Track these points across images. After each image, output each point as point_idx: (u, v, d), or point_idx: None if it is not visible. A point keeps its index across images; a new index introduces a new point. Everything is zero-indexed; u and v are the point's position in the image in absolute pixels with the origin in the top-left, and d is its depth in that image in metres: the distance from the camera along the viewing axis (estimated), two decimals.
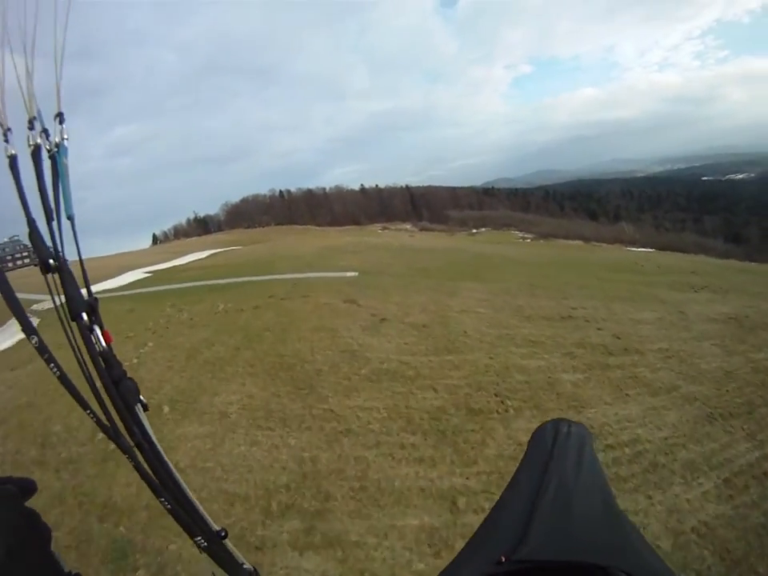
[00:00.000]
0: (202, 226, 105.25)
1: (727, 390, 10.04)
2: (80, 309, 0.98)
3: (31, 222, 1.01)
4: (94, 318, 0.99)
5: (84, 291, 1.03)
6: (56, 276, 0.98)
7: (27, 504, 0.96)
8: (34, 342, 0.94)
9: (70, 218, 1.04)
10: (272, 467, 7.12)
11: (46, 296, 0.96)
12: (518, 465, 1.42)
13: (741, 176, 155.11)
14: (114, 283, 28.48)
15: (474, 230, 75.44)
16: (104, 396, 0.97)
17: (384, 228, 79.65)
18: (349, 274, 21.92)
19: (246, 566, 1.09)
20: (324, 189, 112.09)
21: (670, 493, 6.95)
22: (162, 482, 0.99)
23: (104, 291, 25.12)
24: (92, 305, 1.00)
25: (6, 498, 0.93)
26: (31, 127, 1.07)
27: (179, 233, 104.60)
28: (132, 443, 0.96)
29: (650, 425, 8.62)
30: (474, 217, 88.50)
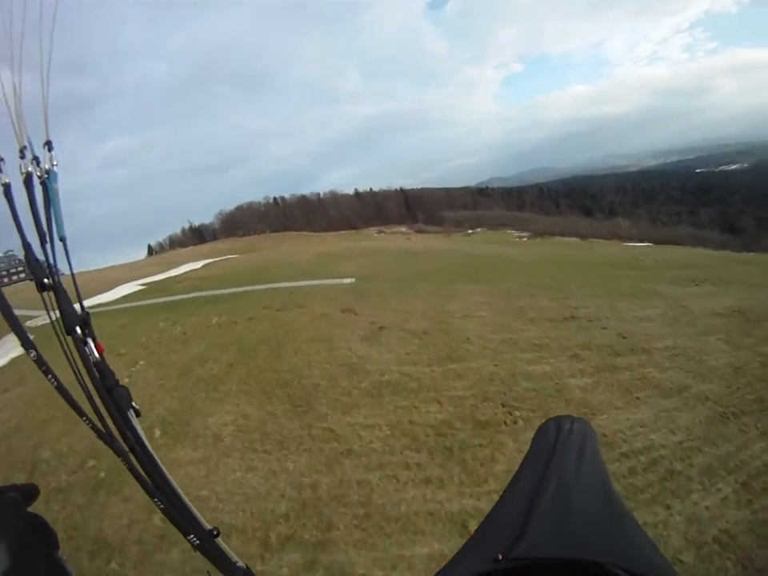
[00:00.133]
0: (197, 236, 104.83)
1: (738, 387, 9.73)
2: (74, 323, 1.06)
3: (26, 245, 1.09)
4: (87, 331, 1.08)
5: (77, 306, 1.11)
6: (51, 293, 1.07)
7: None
8: (32, 355, 1.01)
9: (62, 239, 1.14)
10: (270, 495, 6.67)
11: (40, 312, 1.04)
12: (520, 463, 1.43)
13: (734, 167, 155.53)
14: (107, 297, 28.07)
15: (470, 231, 75.01)
16: (98, 403, 1.04)
17: (380, 231, 79.25)
18: (345, 280, 21.50)
19: (239, 563, 1.11)
20: (318, 194, 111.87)
21: (689, 501, 6.59)
22: (155, 483, 1.04)
23: (98, 306, 24.63)
24: (85, 319, 1.09)
25: (10, 505, 0.98)
26: (22, 156, 1.15)
27: (174, 243, 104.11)
28: (126, 447, 1.02)
29: (663, 429, 8.26)
30: (469, 217, 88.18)
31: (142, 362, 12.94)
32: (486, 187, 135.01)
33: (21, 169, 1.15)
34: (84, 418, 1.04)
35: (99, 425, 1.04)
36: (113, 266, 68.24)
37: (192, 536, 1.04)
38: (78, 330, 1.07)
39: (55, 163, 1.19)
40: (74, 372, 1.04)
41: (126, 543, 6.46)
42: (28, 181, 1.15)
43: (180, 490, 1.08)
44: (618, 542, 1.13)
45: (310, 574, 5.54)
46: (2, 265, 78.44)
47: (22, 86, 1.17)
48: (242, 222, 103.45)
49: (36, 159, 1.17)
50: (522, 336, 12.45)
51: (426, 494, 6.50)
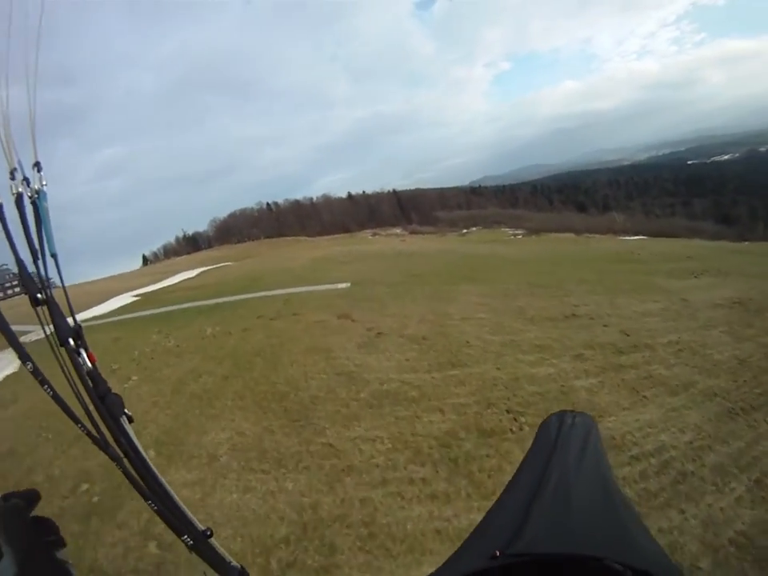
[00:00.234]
0: (191, 244, 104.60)
1: (744, 381, 9.48)
2: (67, 335, 1.14)
3: (19, 262, 1.16)
4: (79, 343, 1.16)
5: (70, 320, 1.18)
6: (44, 308, 1.14)
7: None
8: (29, 367, 1.09)
9: (54, 255, 1.22)
10: (269, 518, 6.31)
11: (33, 327, 1.17)
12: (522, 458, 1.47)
13: (726, 157, 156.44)
14: (102, 309, 27.78)
15: (465, 230, 74.90)
16: (92, 410, 1.11)
17: (374, 234, 79.04)
18: (341, 285, 21.21)
19: (234, 563, 1.15)
20: (311, 198, 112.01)
21: (703, 504, 6.29)
22: (149, 486, 1.10)
23: (92, 318, 24.29)
24: (77, 331, 1.17)
25: (15, 512, 1.04)
26: (12, 177, 1.22)
27: (169, 252, 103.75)
28: (120, 452, 1.09)
29: (672, 428, 7.97)
30: (464, 217, 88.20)
31: (134, 378, 12.60)
32: (479, 186, 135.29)
33: (12, 189, 1.21)
34: (79, 425, 1.11)
35: (94, 431, 1.09)
36: (107, 278, 68.01)
37: (186, 537, 1.07)
38: (71, 341, 1.13)
39: (44, 183, 1.24)
40: (68, 381, 1.10)
41: (123, 573, 6.10)
42: (19, 201, 1.20)
43: (173, 492, 1.13)
44: (616, 537, 1.14)
45: None
46: None
47: (9, 103, 1.23)
48: (235, 229, 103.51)
49: (26, 180, 1.23)
50: (523, 337, 12.18)
51: (432, 510, 6.18)
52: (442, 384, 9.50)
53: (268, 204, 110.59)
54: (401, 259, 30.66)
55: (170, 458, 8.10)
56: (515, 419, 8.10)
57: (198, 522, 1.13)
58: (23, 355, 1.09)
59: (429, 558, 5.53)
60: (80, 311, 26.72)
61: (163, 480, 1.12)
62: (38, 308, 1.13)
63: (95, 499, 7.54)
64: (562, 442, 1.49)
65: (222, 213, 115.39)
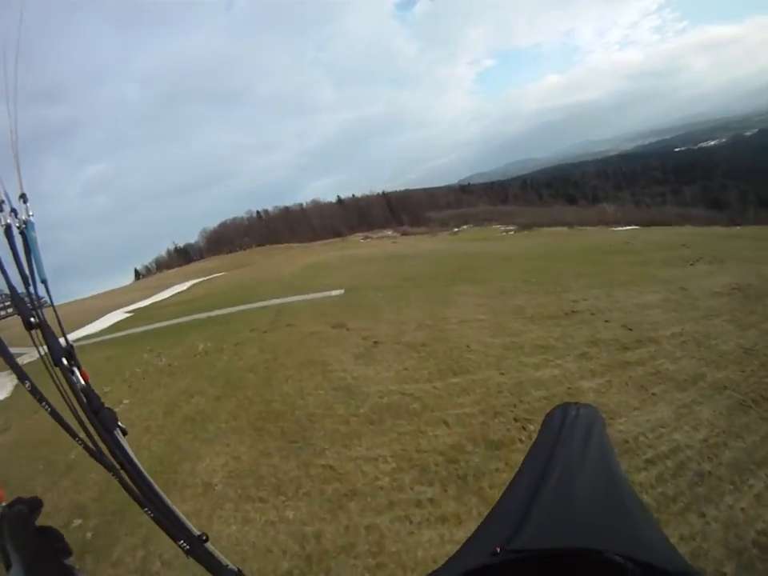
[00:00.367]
0: (183, 256, 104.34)
1: (752, 371, 9.23)
2: (60, 355, 1.19)
3: (11, 288, 1.23)
4: (72, 362, 1.21)
5: (62, 339, 1.23)
6: (38, 331, 1.18)
7: None
8: (27, 386, 1.16)
9: (44, 281, 1.27)
10: (270, 551, 5.88)
11: (27, 349, 1.23)
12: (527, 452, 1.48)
13: (713, 143, 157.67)
14: (94, 327, 27.43)
15: (456, 229, 74.65)
16: (88, 425, 1.16)
17: (365, 237, 78.68)
18: (334, 292, 20.80)
19: (231, 566, 1.17)
20: (301, 204, 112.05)
21: (723, 505, 5.99)
22: (145, 495, 1.17)
23: (84, 337, 23.97)
24: (69, 351, 1.22)
25: (20, 518, 1.12)
26: (0, 209, 1.28)
27: (161, 265, 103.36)
28: (116, 464, 1.15)
29: (685, 426, 7.66)
30: (454, 215, 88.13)
31: (126, 401, 12.16)
32: (468, 184, 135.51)
33: (0, 221, 1.26)
34: (77, 439, 1.16)
35: (90, 444, 1.15)
36: (99, 294, 67.57)
37: (182, 542, 1.13)
38: (65, 360, 1.19)
39: (31, 214, 1.29)
40: (64, 398, 1.16)
41: None
42: (8, 231, 1.25)
43: (168, 500, 1.19)
44: (619, 528, 1.12)
45: None
46: None
47: None
48: (226, 239, 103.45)
49: (14, 211, 1.28)
50: (525, 338, 11.84)
51: (443, 534, 5.78)
52: (444, 394, 9.11)
53: (258, 212, 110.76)
54: (393, 262, 30.27)
55: (165, 488, 7.57)
56: (523, 428, 7.73)
57: (193, 528, 1.17)
58: (21, 375, 1.15)
59: None
60: (73, 330, 26.42)
61: (158, 488, 1.18)
62: (32, 331, 1.18)
63: (89, 535, 7.12)
64: (565, 435, 1.49)
65: (213, 223, 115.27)
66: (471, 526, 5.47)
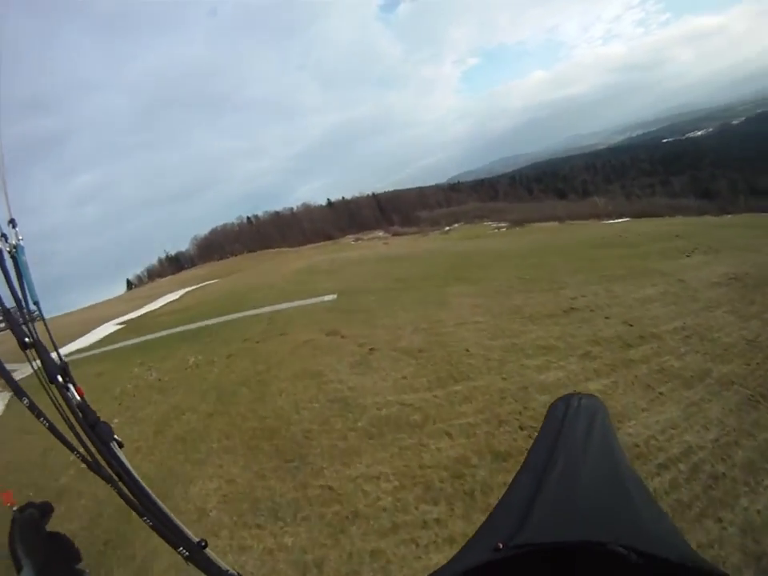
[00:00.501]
0: (174, 264, 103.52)
1: (758, 364, 9.02)
2: (55, 373, 1.24)
3: (5, 311, 1.28)
4: (67, 378, 1.26)
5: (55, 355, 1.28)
6: (32, 350, 1.24)
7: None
8: (25, 402, 1.20)
9: (36, 303, 1.34)
10: None
11: (19, 365, 1.27)
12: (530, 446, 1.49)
13: (700, 132, 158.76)
14: (86, 341, 26.79)
15: (447, 228, 74.26)
16: (85, 438, 1.20)
17: (357, 239, 78.30)
18: (327, 298, 20.43)
19: (231, 572, 1.19)
20: (292, 208, 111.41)
21: (739, 508, 5.73)
22: (143, 504, 1.18)
23: (77, 351, 23.43)
24: (64, 368, 1.27)
25: (31, 522, 1.16)
26: None
27: (153, 274, 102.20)
28: (114, 475, 1.18)
29: (695, 426, 7.39)
30: (445, 214, 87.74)
31: (116, 420, 11.70)
32: (458, 182, 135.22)
33: None
34: (75, 452, 1.20)
35: (87, 456, 1.19)
36: (92, 306, 66.79)
37: (181, 548, 1.14)
38: (60, 378, 1.24)
39: (21, 238, 1.36)
40: (61, 414, 1.21)
41: None
42: None
43: (166, 509, 1.21)
44: (622, 519, 1.14)
45: None
46: None
47: None
48: (217, 245, 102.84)
49: (4, 236, 1.35)
50: (525, 339, 11.52)
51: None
52: (445, 403, 8.74)
53: (248, 218, 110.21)
54: (386, 264, 29.95)
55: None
56: (530, 436, 7.37)
57: (192, 535, 1.19)
58: (19, 392, 1.20)
59: None
60: (65, 344, 25.81)
61: (155, 497, 1.21)
62: (27, 350, 1.23)
63: (79, 566, 6.68)
64: (568, 426, 1.48)
65: (203, 230, 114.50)
66: None
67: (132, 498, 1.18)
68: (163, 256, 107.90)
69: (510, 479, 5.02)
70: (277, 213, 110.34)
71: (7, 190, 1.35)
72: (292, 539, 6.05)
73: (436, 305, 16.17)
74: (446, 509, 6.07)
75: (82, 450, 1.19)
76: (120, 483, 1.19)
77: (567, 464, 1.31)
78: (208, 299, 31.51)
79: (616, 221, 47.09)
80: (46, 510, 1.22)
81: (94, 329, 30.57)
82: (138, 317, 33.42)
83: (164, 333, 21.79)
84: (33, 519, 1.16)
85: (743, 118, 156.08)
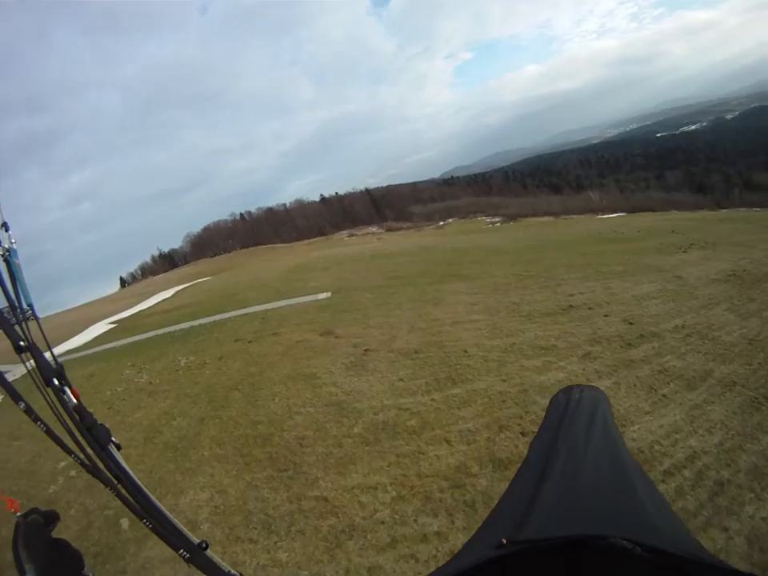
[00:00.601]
0: (168, 261, 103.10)
1: (759, 364, 8.85)
2: (51, 376, 1.23)
3: (0, 315, 1.24)
4: (63, 381, 1.25)
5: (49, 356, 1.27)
6: (27, 353, 1.21)
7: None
8: (22, 407, 1.19)
9: (30, 305, 1.32)
10: None
11: (12, 365, 1.28)
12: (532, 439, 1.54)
13: (694, 127, 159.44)
14: (78, 341, 26.44)
15: (441, 223, 74.17)
16: (82, 441, 1.19)
17: (350, 235, 78.14)
18: (321, 296, 20.15)
19: (233, 572, 1.22)
20: (285, 205, 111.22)
21: (744, 516, 5.49)
22: (143, 506, 1.19)
23: (68, 352, 23.13)
24: (59, 371, 1.26)
25: (35, 527, 1.15)
26: None
27: (146, 271, 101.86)
28: (113, 478, 1.17)
29: (699, 430, 7.17)
30: (439, 209, 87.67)
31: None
32: (451, 177, 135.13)
33: None
34: (72, 455, 1.22)
35: (85, 459, 1.18)
36: (85, 304, 66.47)
37: (182, 551, 1.14)
38: (55, 381, 1.23)
39: (14, 241, 1.33)
40: (57, 417, 1.19)
41: None
42: None
43: (166, 511, 1.23)
44: (625, 512, 1.13)
45: None
46: None
47: None
48: (210, 242, 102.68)
49: None
50: (524, 338, 11.30)
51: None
52: (444, 407, 8.47)
53: (241, 214, 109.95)
54: (380, 260, 29.69)
55: (145, 528, 6.93)
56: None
57: (192, 536, 1.20)
58: (16, 396, 1.18)
59: None
60: (58, 343, 25.40)
61: (155, 499, 1.22)
62: (21, 354, 1.21)
63: None
64: (570, 419, 1.49)
65: (197, 227, 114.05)
66: None
67: (131, 500, 1.17)
68: (156, 253, 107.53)
69: None
70: (270, 209, 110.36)
71: None
72: (287, 554, 5.77)
73: (431, 302, 15.96)
74: (446, 521, 5.81)
75: (80, 454, 1.18)
76: (119, 486, 1.17)
77: (570, 457, 1.29)
78: (200, 298, 31.16)
79: (611, 215, 47.16)
80: (51, 517, 1.20)
81: (85, 328, 30.26)
82: (130, 316, 33.08)
83: (155, 333, 21.41)
84: (37, 525, 1.14)
85: (737, 113, 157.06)
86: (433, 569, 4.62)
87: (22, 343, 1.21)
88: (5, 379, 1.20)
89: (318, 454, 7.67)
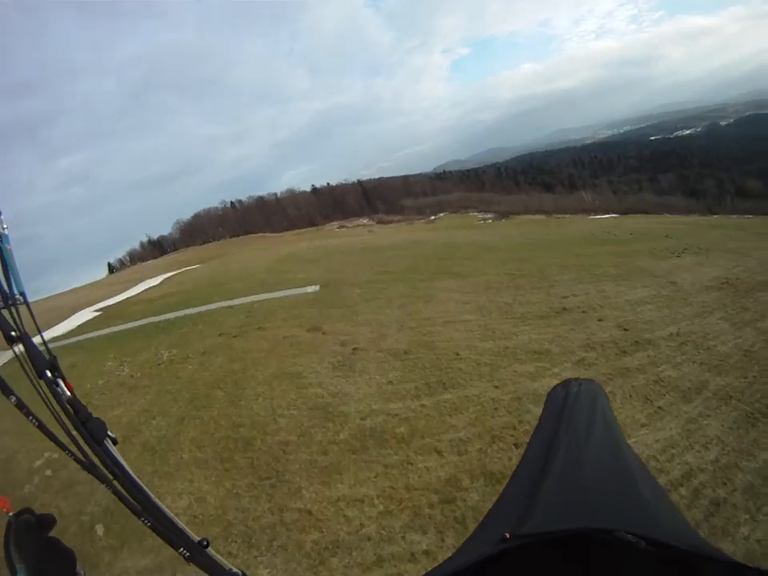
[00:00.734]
0: (157, 248, 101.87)
1: (754, 377, 8.74)
2: (43, 367, 1.17)
3: None
4: (56, 373, 1.19)
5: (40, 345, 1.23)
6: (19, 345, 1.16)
7: None
8: (13, 400, 1.13)
9: (22, 293, 1.25)
10: None
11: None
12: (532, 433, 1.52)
13: (688, 131, 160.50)
14: (63, 328, 25.64)
15: (433, 217, 73.87)
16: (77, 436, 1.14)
17: (341, 226, 77.66)
18: (309, 289, 19.75)
19: (234, 570, 1.20)
20: (276, 194, 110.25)
21: (739, 537, 5.31)
22: (141, 504, 1.12)
23: (52, 340, 22.41)
24: (53, 363, 1.20)
25: (27, 527, 1.10)
26: None
27: (135, 257, 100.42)
28: (109, 474, 1.12)
29: (696, 445, 7.00)
30: (430, 203, 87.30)
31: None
32: (444, 171, 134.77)
33: None
34: (67, 452, 1.14)
35: (80, 455, 1.12)
36: (72, 290, 65.22)
37: (182, 549, 1.09)
38: (48, 372, 1.17)
39: (5, 227, 1.26)
40: (51, 411, 1.13)
41: None
42: None
43: (165, 508, 1.16)
44: (628, 506, 1.12)
45: None
46: None
47: None
48: (200, 230, 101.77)
49: None
50: (517, 341, 11.04)
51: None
52: (434, 413, 8.16)
53: (232, 202, 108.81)
54: (370, 253, 29.30)
55: (122, 535, 6.51)
56: None
57: (192, 534, 1.15)
58: (6, 390, 1.13)
59: None
60: (44, 329, 24.59)
61: (153, 496, 1.15)
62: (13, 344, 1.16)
63: None
64: (569, 412, 1.49)
65: (187, 214, 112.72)
66: None
67: (129, 498, 1.11)
68: (146, 240, 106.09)
69: None
70: (261, 198, 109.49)
71: None
72: (267, 571, 5.43)
73: (422, 300, 15.65)
74: (435, 539, 5.51)
75: (75, 450, 1.12)
76: (115, 483, 1.12)
77: (571, 450, 1.27)
78: (187, 286, 30.59)
79: (603, 216, 47.16)
80: (47, 522, 1.16)
81: (70, 315, 29.53)
82: (116, 303, 32.37)
83: (140, 322, 20.87)
84: (29, 524, 1.10)
85: (732, 120, 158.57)
86: None
87: (13, 333, 1.15)
88: None
89: (301, 462, 7.32)
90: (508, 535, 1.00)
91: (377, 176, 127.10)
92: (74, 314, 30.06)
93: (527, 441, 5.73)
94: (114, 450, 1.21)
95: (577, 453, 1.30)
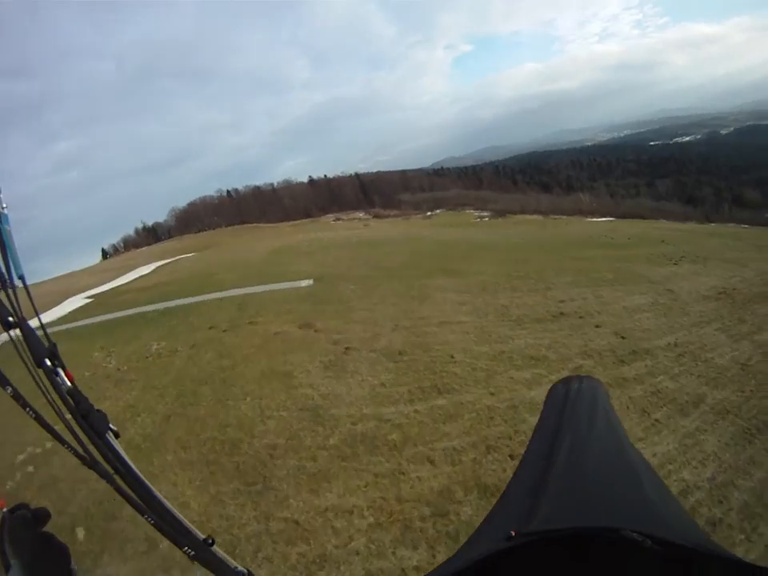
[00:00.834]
0: (151, 235, 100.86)
1: (751, 391, 8.72)
2: (42, 356, 1.09)
3: None
4: (56, 362, 1.11)
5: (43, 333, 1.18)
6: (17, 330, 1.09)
7: None
8: (9, 391, 1.07)
9: (21, 277, 1.18)
10: None
11: None
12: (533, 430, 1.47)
13: (687, 138, 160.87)
14: (54, 314, 25.17)
15: (429, 213, 73.42)
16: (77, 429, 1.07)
17: (337, 219, 77.08)
18: (303, 283, 19.48)
19: (240, 568, 1.09)
20: (272, 184, 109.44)
21: None
22: (144, 500, 1.06)
23: (45, 325, 21.93)
24: (53, 351, 1.12)
25: (22, 522, 1.07)
26: None
27: (129, 244, 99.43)
28: (111, 469, 1.05)
29: (692, 462, 6.89)
30: (427, 199, 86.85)
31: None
32: (442, 168, 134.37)
33: None
34: (66, 445, 1.07)
35: (80, 450, 1.06)
36: (65, 275, 64.45)
37: (187, 548, 1.03)
38: (48, 361, 1.09)
39: (5, 206, 1.20)
40: (49, 402, 1.06)
41: None
42: None
43: (169, 505, 1.08)
44: (633, 503, 1.11)
45: None
46: None
47: None
48: (195, 218, 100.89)
49: None
50: (513, 346, 10.86)
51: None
52: (428, 420, 7.93)
53: (228, 191, 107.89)
54: (366, 248, 29.04)
55: (103, 540, 6.24)
56: None
57: (197, 532, 1.08)
58: (2, 379, 1.07)
59: None
60: (33, 317, 24.12)
61: (157, 492, 1.09)
62: (10, 331, 1.11)
63: None
64: (570, 410, 1.44)
65: (182, 202, 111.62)
66: None
67: (132, 494, 1.04)
68: (140, 226, 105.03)
69: None
70: (257, 188, 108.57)
71: None
72: None
73: (418, 298, 15.45)
74: (426, 554, 5.29)
75: (75, 444, 1.05)
76: (117, 478, 1.05)
77: (573, 448, 1.25)
78: (180, 276, 30.23)
79: (600, 219, 47.12)
80: (41, 516, 1.10)
81: (62, 301, 29.04)
82: (108, 291, 32.03)
83: (130, 312, 20.52)
84: (24, 519, 1.05)
85: (732, 129, 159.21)
86: None
87: (11, 319, 1.09)
88: None
89: (289, 468, 7.07)
90: (513, 533, 0.98)
91: (375, 170, 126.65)
92: (66, 299, 29.64)
93: (522, 452, 5.53)
94: (116, 443, 1.13)
95: (580, 450, 1.27)
